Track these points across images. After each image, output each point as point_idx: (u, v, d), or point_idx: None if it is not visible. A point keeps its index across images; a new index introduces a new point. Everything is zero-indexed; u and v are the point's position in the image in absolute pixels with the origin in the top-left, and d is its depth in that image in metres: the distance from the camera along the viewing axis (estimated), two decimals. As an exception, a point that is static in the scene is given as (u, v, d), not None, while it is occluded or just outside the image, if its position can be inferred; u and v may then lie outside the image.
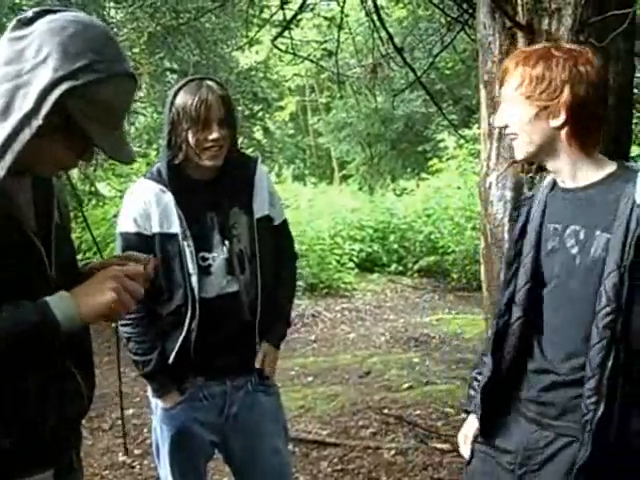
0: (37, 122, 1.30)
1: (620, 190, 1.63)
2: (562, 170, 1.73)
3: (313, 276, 9.32)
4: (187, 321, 2.25)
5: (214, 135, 2.20)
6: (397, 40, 6.18)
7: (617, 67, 2.62)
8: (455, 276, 9.77)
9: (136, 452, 4.27)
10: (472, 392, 2.00)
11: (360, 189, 15.69)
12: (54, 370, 1.45)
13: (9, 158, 1.31)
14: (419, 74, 5.83)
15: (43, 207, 1.48)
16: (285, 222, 2.50)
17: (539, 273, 1.78)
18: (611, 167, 1.70)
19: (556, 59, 1.66)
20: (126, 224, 2.28)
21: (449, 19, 5.69)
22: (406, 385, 5.41)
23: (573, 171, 1.71)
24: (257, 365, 2.38)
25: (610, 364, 1.58)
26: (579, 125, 1.66)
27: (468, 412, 2.04)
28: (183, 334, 2.26)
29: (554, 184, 1.81)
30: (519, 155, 1.76)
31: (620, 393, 1.59)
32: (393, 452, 4.13)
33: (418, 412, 4.78)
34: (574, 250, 1.68)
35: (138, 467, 4.10)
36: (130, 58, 7.08)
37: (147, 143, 10.23)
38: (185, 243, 2.23)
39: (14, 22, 1.36)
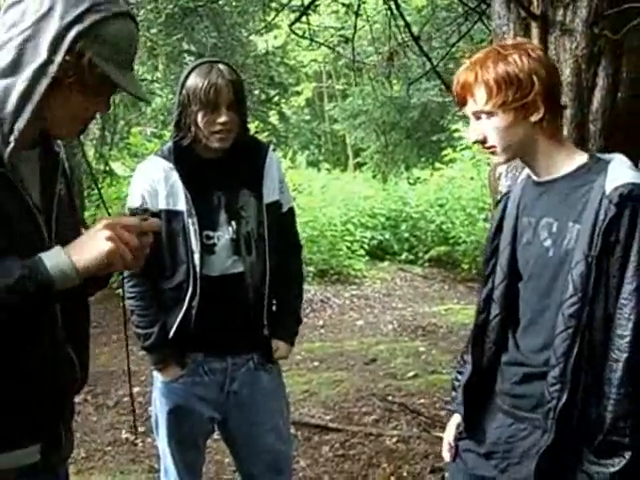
0: (53, 69, 1.34)
1: (591, 181, 1.62)
2: (538, 163, 1.71)
3: (323, 262, 9.33)
4: (188, 298, 2.28)
5: (223, 119, 2.22)
6: (415, 29, 6.15)
7: (631, 61, 2.60)
8: (465, 267, 9.76)
9: (139, 429, 4.32)
10: (454, 393, 2.01)
11: (374, 177, 15.64)
12: (45, 343, 1.45)
13: (29, 109, 1.34)
14: (435, 63, 5.79)
15: (48, 179, 1.50)
16: (291, 210, 2.51)
17: (515, 268, 1.78)
18: (582, 158, 1.69)
19: (510, 55, 1.63)
20: (134, 200, 2.32)
21: (467, 9, 5.65)
22: (411, 373, 5.42)
23: (549, 163, 1.70)
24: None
25: (575, 353, 1.58)
26: (553, 111, 1.66)
27: (452, 412, 2.05)
28: (183, 310, 2.29)
29: (528, 178, 1.80)
30: (499, 160, 1.75)
31: (583, 381, 1.59)
32: (395, 439, 4.15)
33: (422, 401, 4.79)
34: (547, 243, 1.68)
35: (141, 444, 4.14)
36: (147, 39, 7.09)
37: (162, 124, 10.26)
38: (190, 221, 2.25)
39: None
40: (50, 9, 1.34)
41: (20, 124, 1.34)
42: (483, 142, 1.70)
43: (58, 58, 1.33)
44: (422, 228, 11.10)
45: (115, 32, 1.39)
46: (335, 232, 9.86)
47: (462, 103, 1.71)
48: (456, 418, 2.00)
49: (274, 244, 2.37)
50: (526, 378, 1.73)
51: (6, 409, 1.41)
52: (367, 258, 10.28)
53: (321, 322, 7.63)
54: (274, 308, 2.45)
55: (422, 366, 5.62)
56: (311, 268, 9.21)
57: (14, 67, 1.35)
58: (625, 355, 1.53)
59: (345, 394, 4.97)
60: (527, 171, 1.81)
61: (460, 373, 2.00)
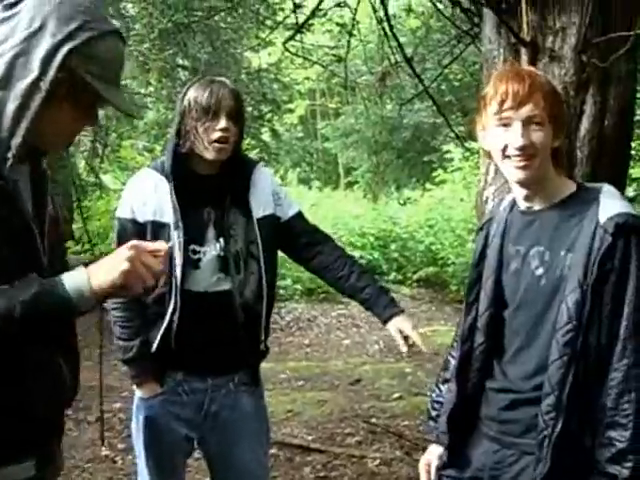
0: (45, 85, 1.35)
1: (583, 210, 1.64)
2: (543, 192, 1.71)
3: (310, 281, 9.30)
4: (169, 312, 2.25)
5: (222, 124, 2.22)
6: (408, 50, 6.19)
7: (618, 88, 2.61)
8: (454, 288, 9.75)
9: (119, 446, 4.26)
10: (432, 422, 1.99)
11: (365, 196, 15.69)
12: (42, 358, 1.45)
13: (24, 125, 1.35)
14: (427, 84, 5.82)
15: (39, 197, 1.50)
16: (299, 214, 2.47)
17: (501, 296, 1.77)
18: (571, 187, 1.71)
19: (548, 80, 1.68)
20: (123, 210, 2.32)
21: (459, 31, 5.69)
22: (396, 395, 5.40)
23: (551, 192, 1.71)
24: (403, 348, 2.34)
25: (569, 381, 1.58)
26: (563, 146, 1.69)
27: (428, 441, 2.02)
28: (165, 325, 2.26)
29: (512, 206, 1.80)
30: (529, 176, 1.66)
31: (577, 409, 1.59)
32: (377, 462, 4.11)
33: (406, 423, 4.76)
34: (539, 271, 1.67)
35: (120, 462, 4.09)
36: (139, 53, 7.11)
37: (154, 138, 10.26)
38: (176, 233, 2.24)
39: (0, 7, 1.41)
40: (41, 27, 1.37)
41: (16, 140, 1.35)
42: (525, 149, 1.64)
43: (50, 74, 1.35)
44: (411, 248, 11.11)
45: (105, 50, 1.42)
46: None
47: (521, 104, 1.66)
48: (435, 449, 1.97)
49: (270, 260, 2.36)
50: (514, 404, 1.73)
51: (6, 423, 1.40)
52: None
53: (307, 341, 7.60)
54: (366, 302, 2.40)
55: (407, 388, 5.60)
56: (298, 286, 9.19)
57: (4, 82, 1.36)
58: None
59: (329, 414, 4.94)
60: (510, 198, 1.81)
61: (437, 402, 1.97)
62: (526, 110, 1.65)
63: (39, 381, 1.43)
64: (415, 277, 10.64)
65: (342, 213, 12.10)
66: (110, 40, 1.44)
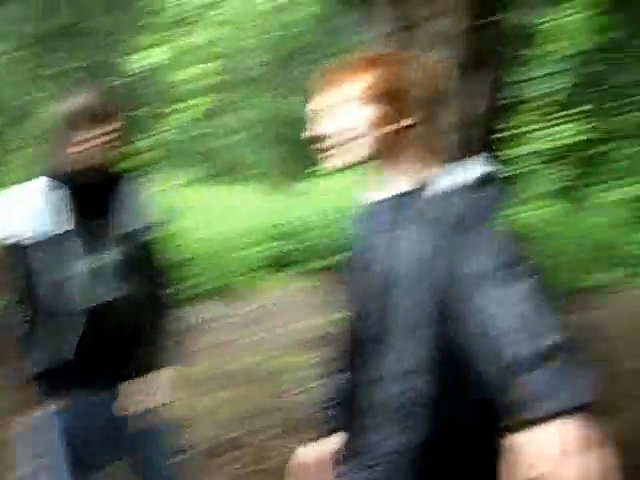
0: None
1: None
2: (400, 176, 1.67)
3: (214, 280, 9.26)
4: (61, 328, 2.24)
5: (98, 131, 2.21)
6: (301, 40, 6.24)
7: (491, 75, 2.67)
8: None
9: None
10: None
11: (260, 190, 15.68)
12: None
13: None
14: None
15: None
16: (159, 233, 2.48)
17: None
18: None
19: (399, 62, 1.65)
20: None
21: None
22: (311, 385, 5.45)
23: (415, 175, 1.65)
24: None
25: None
26: (421, 127, 1.64)
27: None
28: (59, 341, 2.25)
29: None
30: (355, 158, 1.67)
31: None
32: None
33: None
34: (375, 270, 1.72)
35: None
36: (10, 61, 6.84)
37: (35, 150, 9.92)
38: (66, 244, 2.22)
39: None
40: None
41: None
42: (340, 133, 1.69)
43: None
44: (309, 239, 11.18)
45: None
46: (225, 247, 9.80)
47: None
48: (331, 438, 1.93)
49: (154, 268, 2.42)
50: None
51: None
52: (261, 272, 10.26)
53: (216, 340, 7.55)
54: None
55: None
56: (204, 286, 9.11)
57: None
58: None
59: (245, 410, 4.97)
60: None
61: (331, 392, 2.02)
62: (339, 91, 1.67)
63: None
64: (318, 267, 10.72)
65: (237, 209, 12.06)
66: None
